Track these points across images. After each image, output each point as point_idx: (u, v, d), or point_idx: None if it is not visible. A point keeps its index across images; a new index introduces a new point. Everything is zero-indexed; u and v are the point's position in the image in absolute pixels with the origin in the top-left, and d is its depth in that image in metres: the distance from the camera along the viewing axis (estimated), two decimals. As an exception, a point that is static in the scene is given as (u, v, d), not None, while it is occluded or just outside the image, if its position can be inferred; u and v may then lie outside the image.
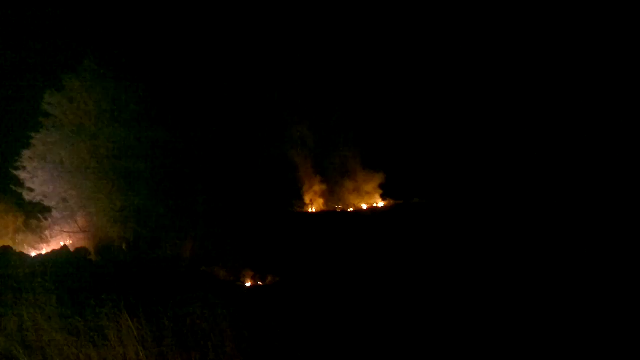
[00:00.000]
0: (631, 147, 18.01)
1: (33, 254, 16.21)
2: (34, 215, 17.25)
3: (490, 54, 20.53)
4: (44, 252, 16.20)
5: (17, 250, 15.03)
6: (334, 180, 20.49)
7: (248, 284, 15.55)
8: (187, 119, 18.24)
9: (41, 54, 20.31)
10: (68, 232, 17.06)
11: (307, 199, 20.05)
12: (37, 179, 17.09)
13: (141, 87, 17.86)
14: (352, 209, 20.51)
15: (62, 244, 16.36)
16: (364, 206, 20.66)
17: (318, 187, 20.14)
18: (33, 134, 17.07)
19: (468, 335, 12.84)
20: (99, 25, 20.21)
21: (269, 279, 15.73)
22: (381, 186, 20.62)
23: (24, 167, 17.04)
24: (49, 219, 17.14)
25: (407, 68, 21.17)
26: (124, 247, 16.53)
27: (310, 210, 20.03)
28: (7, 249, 14.53)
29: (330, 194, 20.47)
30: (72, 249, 15.69)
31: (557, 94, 20.33)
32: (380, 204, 20.87)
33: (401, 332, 13.18)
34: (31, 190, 17.08)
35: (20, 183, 17.12)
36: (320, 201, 20.19)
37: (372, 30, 20.80)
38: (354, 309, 14.38)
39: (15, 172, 17.11)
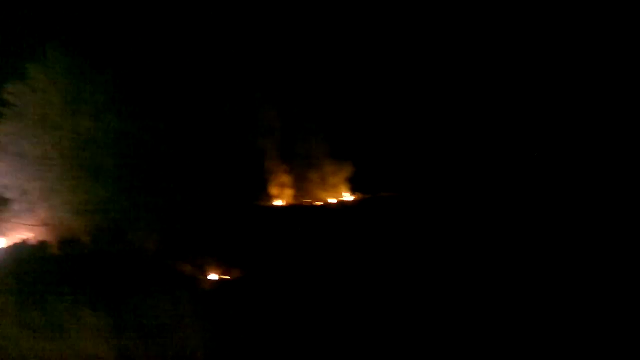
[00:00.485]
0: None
1: (-8, 247, 15.96)
2: (-7, 207, 16.92)
3: (462, 43, 20.49)
4: (2, 245, 15.93)
5: (-25, 244, 14.80)
6: (301, 171, 20.35)
7: (213, 277, 15.48)
8: (153, 111, 18.04)
9: (4, 43, 19.91)
10: (29, 225, 16.76)
11: (274, 192, 19.90)
12: (-4, 170, 16.80)
13: (107, 78, 17.64)
14: (321, 203, 20.44)
15: (22, 237, 16.11)
16: (333, 200, 20.61)
17: (285, 179, 19.99)
18: (-7, 125, 16.77)
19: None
20: (66, 14, 19.87)
21: (235, 273, 15.69)
22: (348, 179, 20.53)
23: (-17, 158, 16.75)
24: (9, 212, 16.83)
25: (379, 58, 21.08)
26: (86, 240, 16.31)
27: (277, 204, 19.91)
28: (-36, 243, 14.28)
29: (297, 186, 20.33)
30: (32, 242, 15.46)
31: (528, 84, 20.37)
32: (349, 197, 20.83)
33: (365, 328, 13.23)
34: (-10, 182, 16.79)
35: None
36: (288, 193, 20.07)
37: (345, 19, 20.67)
38: (320, 304, 14.42)
39: (-27, 164, 16.80)
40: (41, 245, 15.47)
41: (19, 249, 15.06)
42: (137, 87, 18.05)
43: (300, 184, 20.29)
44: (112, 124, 17.29)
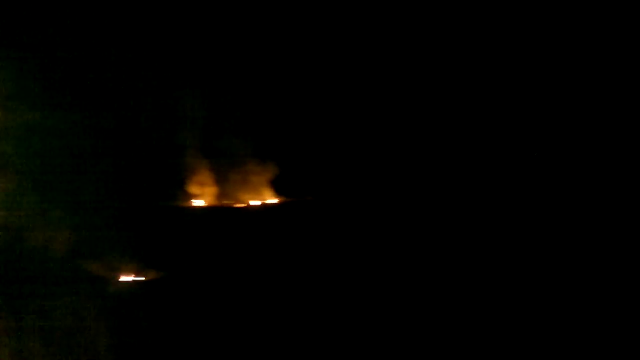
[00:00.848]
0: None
1: None
2: None
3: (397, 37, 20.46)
4: None
5: None
6: (223, 172, 20.06)
7: (126, 278, 15.15)
8: (66, 102, 17.62)
9: None
10: None
11: (193, 190, 19.54)
12: None
13: (19, 65, 17.10)
14: (244, 205, 20.22)
15: None
16: (256, 202, 20.41)
17: (206, 178, 19.67)
18: None
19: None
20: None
21: (150, 274, 15.37)
22: (272, 181, 20.37)
23: None
24: None
25: (309, 55, 20.94)
26: (-12, 237, 15.73)
27: (197, 204, 19.58)
28: None
29: (218, 186, 20.04)
30: None
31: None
32: (273, 200, 20.65)
33: (283, 334, 13.23)
34: None
35: None
36: (209, 193, 19.75)
37: (271, 10, 20.48)
38: (237, 308, 14.36)
39: None
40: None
41: None
42: (50, 77, 17.62)
43: (222, 185, 20.02)
44: (22, 114, 16.83)
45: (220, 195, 20.37)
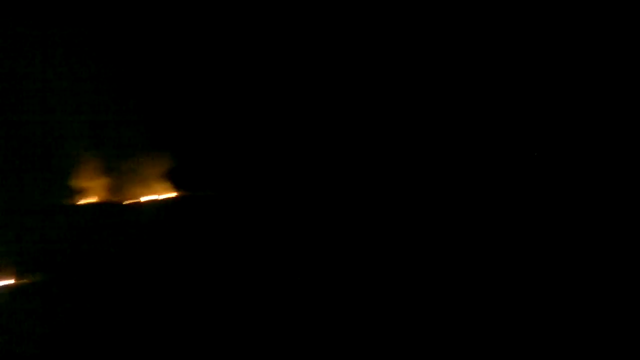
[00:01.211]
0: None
1: None
2: None
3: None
4: None
5: None
6: (112, 163, 19.34)
7: (5, 282, 14.56)
8: None
9: None
10: None
11: (79, 185, 18.77)
12: None
13: None
14: (137, 200, 19.60)
15: None
16: (151, 197, 19.77)
17: (93, 172, 18.94)
18: None
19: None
20: None
21: (32, 277, 14.80)
22: (168, 174, 19.83)
23: None
24: None
25: (207, 36, 20.51)
26: None
27: (82, 202, 18.84)
28: None
29: (108, 180, 19.31)
30: None
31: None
32: (169, 195, 20.12)
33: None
34: None
35: None
36: (97, 188, 19.01)
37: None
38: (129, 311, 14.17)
39: None
40: None
41: None
42: None
43: (111, 179, 19.30)
44: None
45: (110, 190, 19.60)
